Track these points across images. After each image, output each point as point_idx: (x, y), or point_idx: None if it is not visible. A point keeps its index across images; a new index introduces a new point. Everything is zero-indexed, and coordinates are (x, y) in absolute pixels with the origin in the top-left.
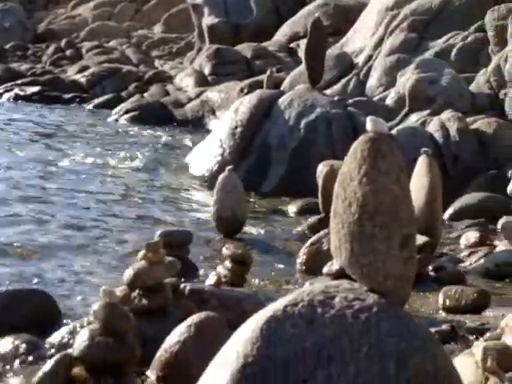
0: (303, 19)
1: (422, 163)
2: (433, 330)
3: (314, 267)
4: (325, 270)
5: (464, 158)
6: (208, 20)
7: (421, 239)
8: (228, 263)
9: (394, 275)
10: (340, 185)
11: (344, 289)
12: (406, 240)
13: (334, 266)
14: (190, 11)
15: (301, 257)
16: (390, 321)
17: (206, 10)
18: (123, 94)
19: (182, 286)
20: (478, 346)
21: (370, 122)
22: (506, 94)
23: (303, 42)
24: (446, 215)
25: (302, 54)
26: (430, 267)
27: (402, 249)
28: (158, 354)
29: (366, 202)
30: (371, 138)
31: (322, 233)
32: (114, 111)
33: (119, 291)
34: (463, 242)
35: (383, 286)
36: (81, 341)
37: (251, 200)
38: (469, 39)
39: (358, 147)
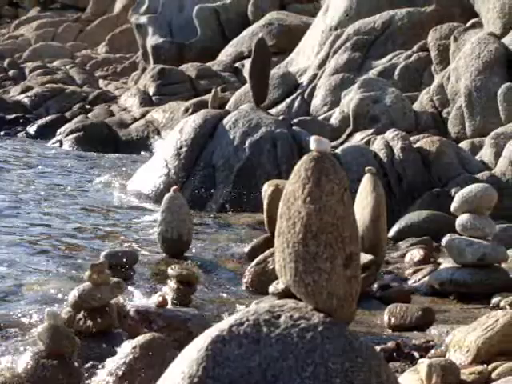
0: (247, 39)
1: (366, 182)
2: (378, 347)
3: (260, 287)
4: (271, 289)
5: (408, 177)
6: (152, 40)
7: (366, 258)
8: (173, 283)
9: (339, 294)
10: (284, 204)
11: (289, 308)
12: (349, 259)
13: (279, 285)
14: (133, 31)
15: (247, 276)
16: (335, 339)
17: (150, 30)
18: (67, 114)
19: (127, 306)
20: (423, 363)
21: (313, 142)
22: (448, 113)
23: (248, 62)
24: (391, 233)
25: (246, 73)
26: (375, 285)
27: (345, 267)
28: (103, 375)
29: (310, 221)
30: (315, 157)
31: (267, 252)
32: (57, 132)
33: (64, 313)
34: (408, 260)
35: (328, 304)
36: (25, 362)
37: (197, 220)
38: (412, 58)
39: (301, 166)
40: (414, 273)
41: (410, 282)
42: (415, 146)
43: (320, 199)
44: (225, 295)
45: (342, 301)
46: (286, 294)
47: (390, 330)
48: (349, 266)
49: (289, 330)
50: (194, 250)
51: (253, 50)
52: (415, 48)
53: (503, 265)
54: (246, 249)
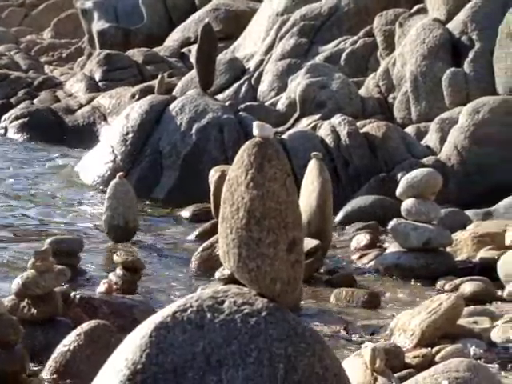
0: (194, 24)
1: (312, 167)
2: (324, 331)
3: (206, 272)
4: (217, 275)
5: (354, 162)
6: (98, 25)
7: (312, 242)
8: (119, 270)
9: (282, 279)
10: (228, 190)
11: (233, 293)
12: (293, 244)
13: (225, 270)
14: (79, 16)
15: (193, 262)
16: (279, 325)
17: (95, 15)
18: (12, 100)
19: (72, 294)
20: (367, 347)
21: (256, 127)
22: (394, 98)
23: (194, 48)
24: (338, 218)
25: (193, 59)
26: (322, 270)
27: (289, 252)
28: (48, 363)
29: (253, 207)
30: (257, 142)
31: (213, 238)
32: (2, 118)
33: (7, 301)
34: (354, 244)
35: (271, 289)
36: None
37: (143, 206)
38: (358, 44)
39: (244, 152)
40: (361, 257)
41: (356, 266)
42: (361, 131)
43: (263, 185)
44: (171, 281)
45: (285, 286)
46: (232, 279)
47: (336, 314)
48: (292, 251)
49: (232, 315)
50: (140, 237)
51: (199, 35)
52: (361, 33)
53: (448, 249)
54: (193, 235)
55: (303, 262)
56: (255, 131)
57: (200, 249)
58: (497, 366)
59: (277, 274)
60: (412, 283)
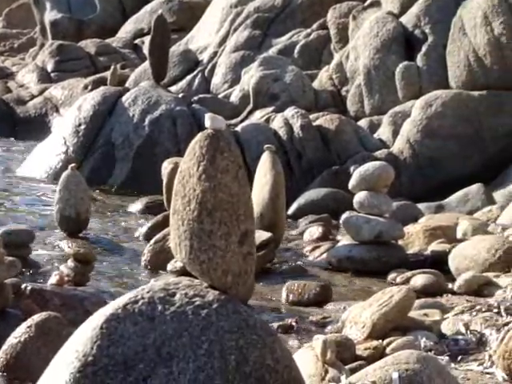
0: (147, 16)
1: (265, 160)
2: (276, 324)
3: (159, 264)
4: (169, 267)
5: (307, 154)
6: (50, 15)
7: (265, 235)
8: (71, 262)
9: (234, 271)
10: (179, 182)
11: (184, 286)
12: (244, 236)
13: (178, 263)
14: (31, 6)
15: (146, 254)
16: (230, 317)
17: (48, 5)
18: None
19: (23, 285)
20: (318, 340)
21: (208, 119)
22: (347, 91)
23: (147, 39)
24: (291, 211)
25: (146, 50)
26: (274, 262)
27: (241, 245)
28: None
29: (205, 199)
30: (209, 134)
31: (166, 230)
32: None
33: None
34: (307, 236)
35: (223, 281)
36: None
37: (96, 198)
38: (311, 37)
39: (196, 144)
40: (313, 250)
41: (308, 259)
42: (314, 123)
43: (215, 177)
44: (123, 273)
45: (237, 278)
46: (184, 271)
47: (287, 306)
48: (244, 243)
49: (184, 307)
50: (92, 228)
51: (152, 27)
52: (315, 26)
53: (400, 241)
54: (146, 227)
55: (255, 255)
56: (207, 123)
57: (152, 241)
58: (447, 357)
59: (228, 266)
60: (364, 276)
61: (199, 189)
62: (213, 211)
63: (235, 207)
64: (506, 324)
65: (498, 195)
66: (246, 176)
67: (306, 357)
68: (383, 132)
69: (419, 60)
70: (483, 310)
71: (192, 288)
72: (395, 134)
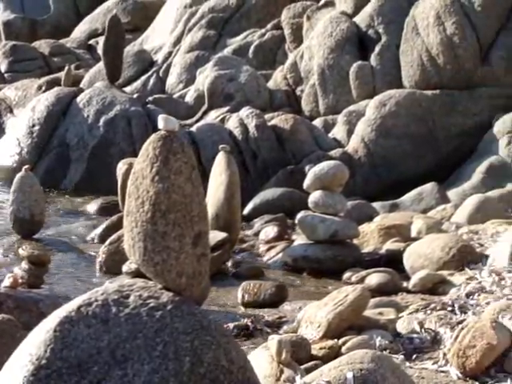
0: (102, 16)
1: (220, 160)
2: (231, 324)
3: (114, 266)
4: (124, 268)
5: (263, 154)
6: (3, 16)
7: (220, 235)
8: (25, 264)
9: (188, 272)
10: (133, 183)
11: (138, 287)
12: (198, 237)
13: (132, 264)
14: None
15: (100, 256)
16: (184, 318)
17: (1, 6)
18: None
19: None
20: (273, 340)
21: (161, 121)
22: (302, 91)
23: (102, 39)
24: (246, 211)
25: (100, 50)
26: (230, 263)
27: (194, 246)
28: None
29: (159, 200)
30: (163, 136)
31: (121, 231)
32: None
33: None
34: (262, 237)
35: (177, 283)
36: None
37: (50, 199)
38: (266, 37)
39: (149, 145)
40: (269, 250)
41: (264, 259)
42: (269, 123)
43: (168, 178)
44: (77, 275)
45: (191, 279)
46: (139, 273)
47: (243, 307)
48: (198, 245)
49: (138, 309)
50: (46, 230)
51: (106, 27)
52: (269, 26)
53: (355, 241)
54: (101, 228)
55: (209, 256)
56: (160, 124)
57: (107, 242)
58: (402, 356)
59: (182, 268)
60: (319, 275)
61: (153, 190)
62: (166, 213)
63: (189, 208)
64: (460, 322)
65: (452, 194)
66: (199, 177)
67: (262, 357)
68: (338, 131)
69: (373, 60)
70: (437, 308)
71: (146, 290)
72: (350, 133)
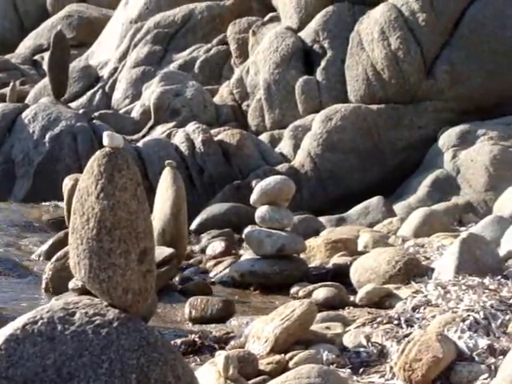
0: (47, 31)
1: (166, 175)
2: (179, 340)
3: (60, 283)
4: (70, 285)
5: (209, 169)
6: None
7: (167, 251)
8: None
9: (134, 289)
10: (78, 200)
11: (84, 305)
12: (144, 254)
13: (79, 281)
14: None
15: (47, 272)
16: (130, 335)
17: None
18: None
19: None
20: (220, 355)
21: (106, 137)
22: (248, 106)
23: (47, 55)
24: (193, 226)
25: (45, 66)
26: (177, 278)
27: (140, 263)
28: None
29: (104, 217)
30: (108, 152)
31: (67, 248)
32: None
33: None
34: (209, 252)
35: (123, 300)
36: None
37: None
38: (212, 52)
39: (94, 162)
40: (216, 265)
41: (211, 274)
42: (216, 138)
43: (113, 195)
44: (23, 292)
45: (137, 296)
46: (86, 290)
47: (190, 323)
48: (143, 261)
49: (84, 326)
50: None
51: (51, 42)
52: (215, 41)
53: (302, 255)
54: (47, 244)
55: (155, 272)
56: (105, 141)
57: (54, 259)
58: (349, 370)
59: (128, 285)
60: (267, 290)
61: (98, 207)
62: (112, 229)
63: (134, 225)
64: (407, 336)
65: (398, 207)
66: (144, 193)
67: (209, 373)
68: (284, 146)
69: (318, 74)
70: (384, 322)
71: (92, 307)
72: (296, 147)
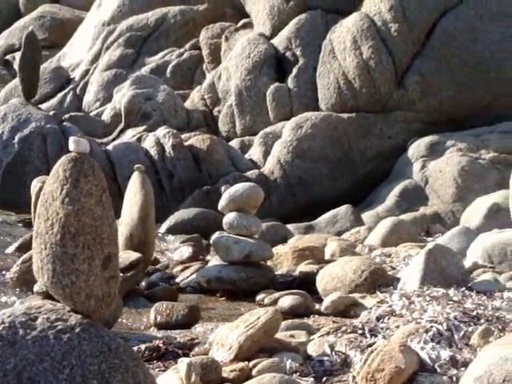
0: (18, 31)
1: (134, 180)
2: (143, 346)
3: (26, 285)
4: (35, 288)
5: (179, 174)
6: None
7: (134, 255)
8: None
9: (97, 295)
10: (42, 205)
11: (46, 310)
12: (108, 260)
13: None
14: None
15: (12, 274)
16: (92, 341)
17: None
18: None
19: None
20: (183, 362)
21: (72, 143)
22: (219, 112)
23: (19, 55)
24: (162, 230)
25: (17, 66)
26: (143, 283)
27: (104, 268)
28: None
29: (68, 223)
30: (73, 158)
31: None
32: None
33: None
34: (177, 257)
35: (86, 305)
36: None
37: None
38: (184, 56)
39: (60, 167)
40: (183, 270)
41: (178, 280)
42: (186, 143)
43: (78, 200)
44: None
45: (100, 302)
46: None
47: (155, 329)
48: (107, 267)
49: (45, 331)
50: None
51: (23, 43)
52: (187, 46)
53: (269, 262)
54: (13, 247)
55: (119, 278)
56: (71, 146)
57: (19, 261)
58: (311, 379)
59: (91, 290)
60: (233, 296)
61: (62, 212)
62: (76, 235)
63: (99, 231)
64: (370, 345)
65: (366, 216)
66: (110, 199)
67: (171, 380)
68: (254, 152)
69: (290, 82)
70: (348, 331)
71: (54, 312)
72: (266, 154)
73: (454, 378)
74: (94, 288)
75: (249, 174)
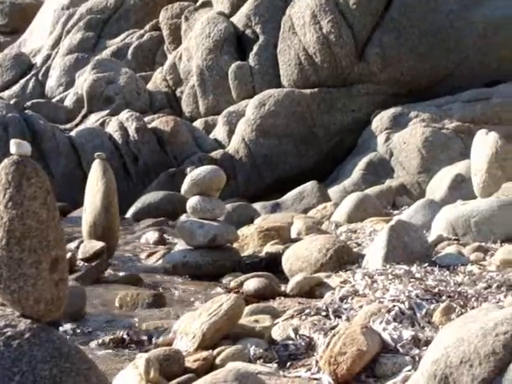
0: None
1: (96, 167)
2: (108, 337)
3: None
4: None
5: (144, 157)
6: None
7: (98, 244)
8: None
9: (46, 298)
10: None
11: None
12: (56, 262)
13: None
14: None
15: None
16: (43, 346)
17: None
18: None
19: None
20: (141, 358)
21: (13, 145)
22: (182, 92)
23: None
24: (128, 215)
25: None
26: (109, 271)
27: (52, 271)
28: None
29: (13, 227)
30: (15, 160)
31: None
32: None
33: None
34: (143, 242)
35: (35, 310)
36: None
37: None
38: (144, 38)
39: (2, 171)
40: (149, 255)
41: (144, 264)
42: (150, 126)
43: (22, 204)
44: None
45: (49, 305)
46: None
47: (121, 318)
48: (55, 270)
49: None
50: None
51: None
52: (148, 27)
53: (235, 244)
54: None
55: (67, 280)
56: (12, 149)
57: None
58: (275, 365)
59: (40, 294)
60: (199, 281)
61: (6, 217)
62: (22, 239)
63: (45, 234)
64: (333, 327)
65: (333, 192)
66: (55, 201)
67: (131, 376)
68: (218, 132)
69: (251, 60)
70: (312, 313)
71: (3, 318)
72: (230, 133)
73: (417, 358)
74: (43, 292)
75: (214, 154)
